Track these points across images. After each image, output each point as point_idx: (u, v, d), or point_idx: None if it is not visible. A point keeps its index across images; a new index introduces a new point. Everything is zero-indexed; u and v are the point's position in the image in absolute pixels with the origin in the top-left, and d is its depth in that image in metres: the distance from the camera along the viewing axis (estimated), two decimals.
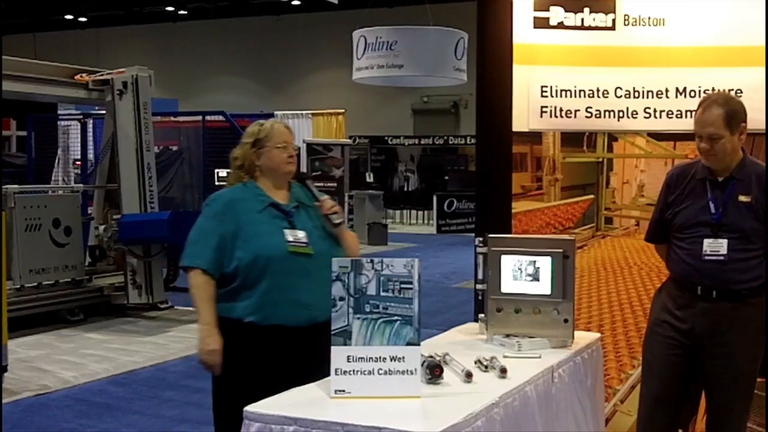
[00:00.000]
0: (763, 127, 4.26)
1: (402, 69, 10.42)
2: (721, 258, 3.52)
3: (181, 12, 26.98)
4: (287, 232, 3.33)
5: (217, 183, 12.61)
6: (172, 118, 13.46)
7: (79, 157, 13.19)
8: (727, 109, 3.51)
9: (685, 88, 4.38)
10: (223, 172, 12.63)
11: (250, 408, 2.58)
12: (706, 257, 3.54)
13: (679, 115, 4.42)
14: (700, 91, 4.34)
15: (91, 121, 12.57)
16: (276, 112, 17.21)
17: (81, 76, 9.38)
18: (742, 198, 3.53)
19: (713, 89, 4.29)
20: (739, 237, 3.51)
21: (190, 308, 9.63)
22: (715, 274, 3.54)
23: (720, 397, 3.62)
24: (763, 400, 4.19)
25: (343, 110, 18.79)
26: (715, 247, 3.52)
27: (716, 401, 3.64)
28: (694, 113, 3.67)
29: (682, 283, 3.66)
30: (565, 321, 3.49)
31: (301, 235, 3.35)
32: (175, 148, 13.58)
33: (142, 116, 9.20)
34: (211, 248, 3.29)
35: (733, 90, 4.28)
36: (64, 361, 7.36)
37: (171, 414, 5.96)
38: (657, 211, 3.84)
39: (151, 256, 9.20)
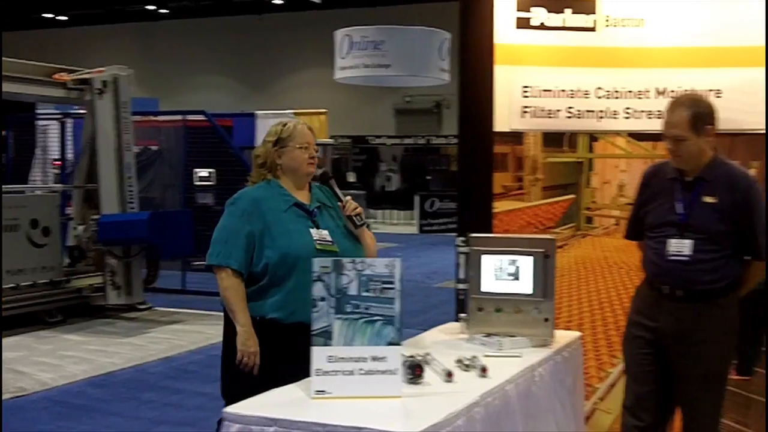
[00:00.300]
0: (744, 127, 4.30)
1: (389, 69, 10.42)
2: (685, 258, 3.52)
3: (163, 11, 26.85)
4: (313, 231, 3.40)
5: (196, 183, 12.55)
6: (152, 118, 13.36)
7: (58, 156, 13.08)
8: (693, 111, 3.52)
9: (665, 89, 4.40)
10: (203, 172, 12.56)
11: (229, 409, 2.57)
12: (670, 257, 3.55)
13: (659, 116, 4.41)
14: (680, 91, 4.35)
15: (71, 121, 12.47)
16: (257, 112, 17.11)
17: (60, 75, 9.30)
18: (707, 199, 3.52)
19: (693, 90, 4.31)
20: (705, 238, 3.51)
21: (170, 309, 9.72)
22: (679, 274, 3.54)
23: (690, 396, 3.61)
24: (743, 398, 4.22)
25: (325, 110, 18.72)
26: (680, 247, 3.53)
27: (686, 401, 3.64)
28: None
29: (651, 283, 3.68)
30: (546, 320, 3.50)
31: (325, 233, 3.41)
32: (155, 147, 13.48)
33: (122, 116, 9.14)
34: (241, 248, 3.34)
35: (712, 90, 4.30)
36: (41, 362, 7.29)
37: (150, 415, 5.92)
38: (633, 209, 3.87)
39: (130, 257, 9.14)
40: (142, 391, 6.53)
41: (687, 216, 3.54)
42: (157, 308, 9.69)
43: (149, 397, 6.36)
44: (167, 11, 26.81)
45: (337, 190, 3.58)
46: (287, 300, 3.33)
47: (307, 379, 2.75)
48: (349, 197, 3.56)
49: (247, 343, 3.32)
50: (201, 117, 12.01)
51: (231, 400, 3.35)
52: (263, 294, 3.35)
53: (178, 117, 12.64)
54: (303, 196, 3.49)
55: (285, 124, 3.52)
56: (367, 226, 3.59)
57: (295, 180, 3.49)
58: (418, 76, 10.99)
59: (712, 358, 3.56)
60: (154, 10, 26.71)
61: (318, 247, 3.35)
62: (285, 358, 3.28)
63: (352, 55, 10.81)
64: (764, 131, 4.28)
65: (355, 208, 3.52)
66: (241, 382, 3.28)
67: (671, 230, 3.56)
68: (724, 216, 3.50)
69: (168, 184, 12.95)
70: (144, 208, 9.90)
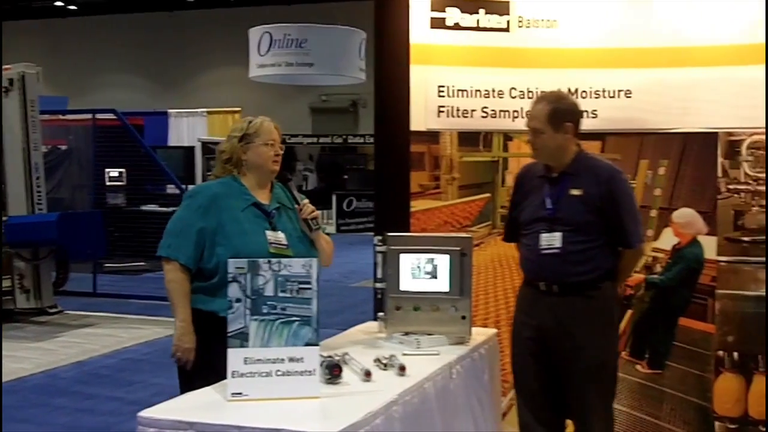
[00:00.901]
0: (653, 127, 4.43)
1: (312, 68, 10.36)
2: (556, 251, 3.56)
3: (71, 7, 26.19)
4: (269, 233, 3.35)
5: (107, 183, 12.28)
6: (61, 117, 13.03)
7: None
8: (554, 106, 3.59)
9: (576, 89, 4.47)
10: (114, 172, 12.31)
11: (144, 413, 2.51)
12: (543, 251, 3.58)
13: None
14: (591, 92, 4.45)
15: None
16: (170, 111, 16.87)
17: None
18: (573, 192, 3.58)
19: (603, 90, 4.42)
20: (573, 229, 3.56)
21: (81, 312, 9.50)
22: (552, 267, 3.58)
23: (575, 393, 3.61)
24: (656, 392, 4.34)
25: (239, 108, 18.53)
26: (550, 240, 3.57)
27: (573, 398, 3.63)
28: None
29: (528, 280, 3.72)
30: (463, 318, 3.53)
31: (281, 236, 3.37)
32: (64, 147, 13.16)
33: (30, 114, 8.95)
34: (192, 242, 3.30)
35: (622, 90, 4.41)
36: None
37: (62, 421, 5.78)
38: (509, 211, 3.92)
39: (39, 259, 8.94)
40: (53, 397, 6.37)
41: (555, 210, 3.59)
42: (67, 312, 9.46)
43: (61, 403, 6.21)
44: (75, 7, 26.15)
45: (295, 193, 3.55)
46: None
47: (223, 381, 2.72)
48: (306, 200, 3.52)
49: (183, 339, 3.28)
50: (111, 116, 11.77)
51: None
52: (215, 292, 3.29)
53: (88, 116, 12.35)
54: (264, 196, 3.46)
55: (251, 121, 3.50)
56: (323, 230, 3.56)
57: (258, 177, 3.46)
58: (342, 75, 10.98)
59: (592, 352, 3.56)
60: (62, 6, 26.03)
61: (271, 250, 3.30)
62: None
63: (272, 53, 10.69)
64: (670, 131, 4.41)
65: (312, 212, 3.49)
66: (195, 377, 3.23)
67: (542, 225, 3.61)
68: (591, 207, 3.55)
69: (77, 184, 12.66)
70: (53, 209, 9.68)
